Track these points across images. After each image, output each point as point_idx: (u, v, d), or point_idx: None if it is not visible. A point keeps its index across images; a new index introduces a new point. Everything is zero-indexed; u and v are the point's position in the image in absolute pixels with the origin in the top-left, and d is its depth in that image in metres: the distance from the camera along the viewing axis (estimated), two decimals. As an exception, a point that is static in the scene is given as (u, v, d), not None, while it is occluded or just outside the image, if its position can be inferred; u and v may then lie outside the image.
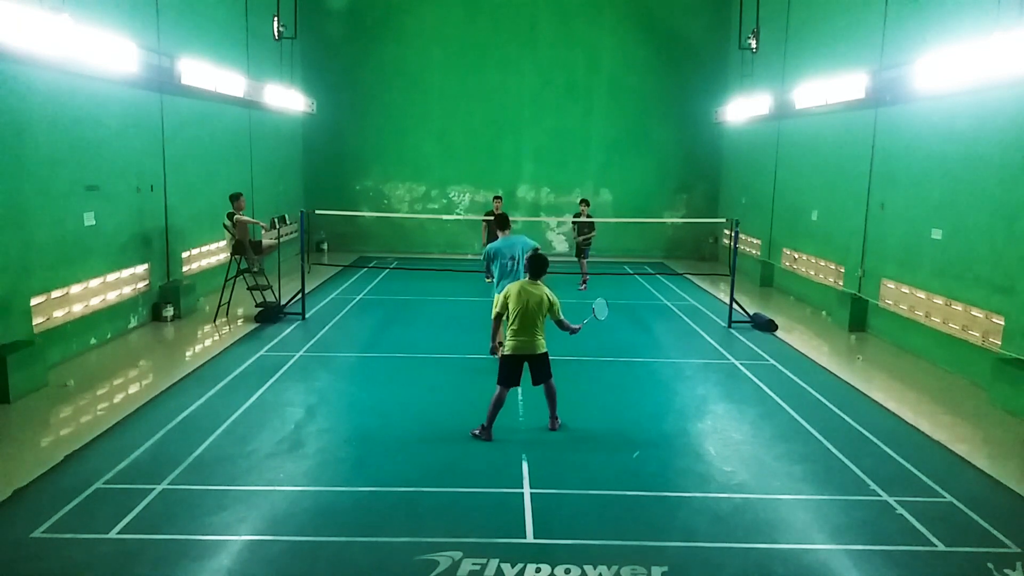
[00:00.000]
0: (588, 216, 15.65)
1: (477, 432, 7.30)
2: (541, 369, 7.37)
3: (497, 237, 10.63)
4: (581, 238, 15.59)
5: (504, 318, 7.36)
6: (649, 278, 17.21)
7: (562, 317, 7.36)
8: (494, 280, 9.64)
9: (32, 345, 8.46)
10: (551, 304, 7.21)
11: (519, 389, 8.78)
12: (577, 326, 7.51)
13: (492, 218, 14.92)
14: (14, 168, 8.61)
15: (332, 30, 20.19)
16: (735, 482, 6.46)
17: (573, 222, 16.03)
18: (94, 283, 10.25)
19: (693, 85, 20.56)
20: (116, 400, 8.31)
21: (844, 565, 5.18)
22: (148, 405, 8.06)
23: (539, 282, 7.30)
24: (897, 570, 5.14)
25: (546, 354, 7.34)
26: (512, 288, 7.23)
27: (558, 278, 16.30)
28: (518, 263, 9.28)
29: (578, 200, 16.42)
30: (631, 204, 20.68)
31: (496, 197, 15.78)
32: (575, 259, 15.93)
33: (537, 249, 9.25)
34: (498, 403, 7.26)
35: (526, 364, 7.30)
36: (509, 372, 7.26)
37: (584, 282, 15.47)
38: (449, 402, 8.46)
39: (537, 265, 7.32)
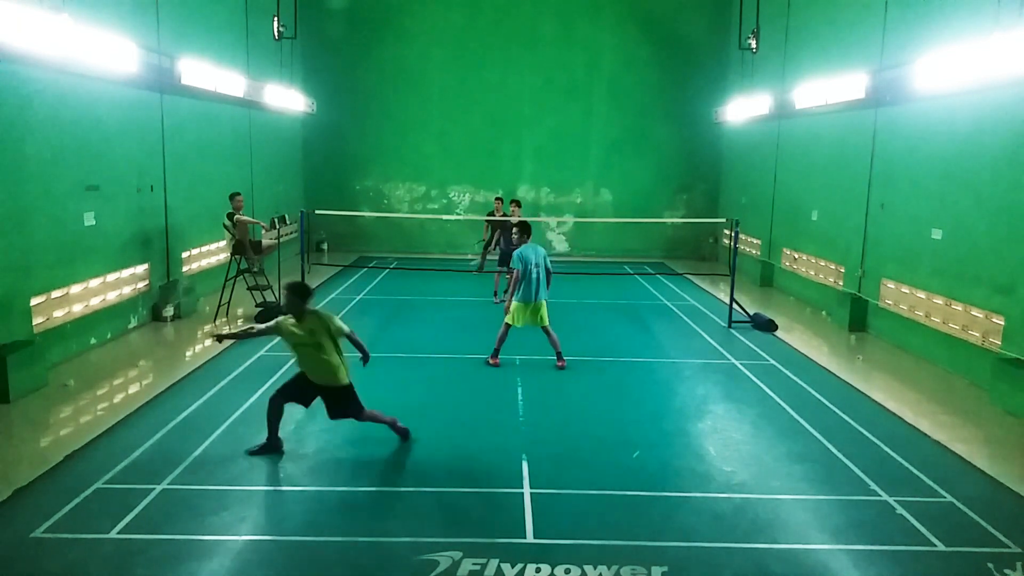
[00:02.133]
0: (504, 216, 13.91)
1: (257, 449, 6.70)
2: (339, 406, 6.68)
3: (509, 237, 11.38)
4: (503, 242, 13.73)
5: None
6: (649, 278, 17.21)
7: (346, 331, 6.62)
8: (516, 288, 9.50)
9: (32, 345, 8.46)
10: (333, 325, 6.49)
11: (519, 390, 8.82)
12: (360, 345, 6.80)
13: (493, 218, 14.86)
14: (14, 168, 8.61)
15: (332, 30, 20.19)
16: (735, 482, 6.46)
17: (488, 221, 14.40)
18: (94, 283, 10.25)
19: (693, 85, 20.56)
20: (116, 400, 8.30)
21: (844, 565, 5.18)
22: (148, 405, 8.06)
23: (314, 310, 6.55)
24: (897, 570, 5.14)
25: (347, 387, 6.63)
26: (283, 324, 6.52)
27: (559, 277, 16.31)
28: (540, 270, 9.51)
29: (498, 198, 15.05)
30: (631, 204, 20.70)
31: (497, 198, 15.64)
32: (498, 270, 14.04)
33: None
34: (275, 412, 6.72)
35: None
36: (296, 389, 6.71)
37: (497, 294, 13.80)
38: (449, 402, 8.45)
39: (296, 294, 6.50)
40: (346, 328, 6.63)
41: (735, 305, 12.56)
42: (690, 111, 20.67)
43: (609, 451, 7.12)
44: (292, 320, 6.56)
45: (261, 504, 5.87)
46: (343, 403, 6.68)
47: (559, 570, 5.00)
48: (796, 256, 15.54)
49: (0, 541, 5.25)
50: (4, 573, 4.91)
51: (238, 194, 12.12)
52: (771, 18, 16.73)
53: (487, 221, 14.93)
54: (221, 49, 14.32)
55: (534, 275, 9.44)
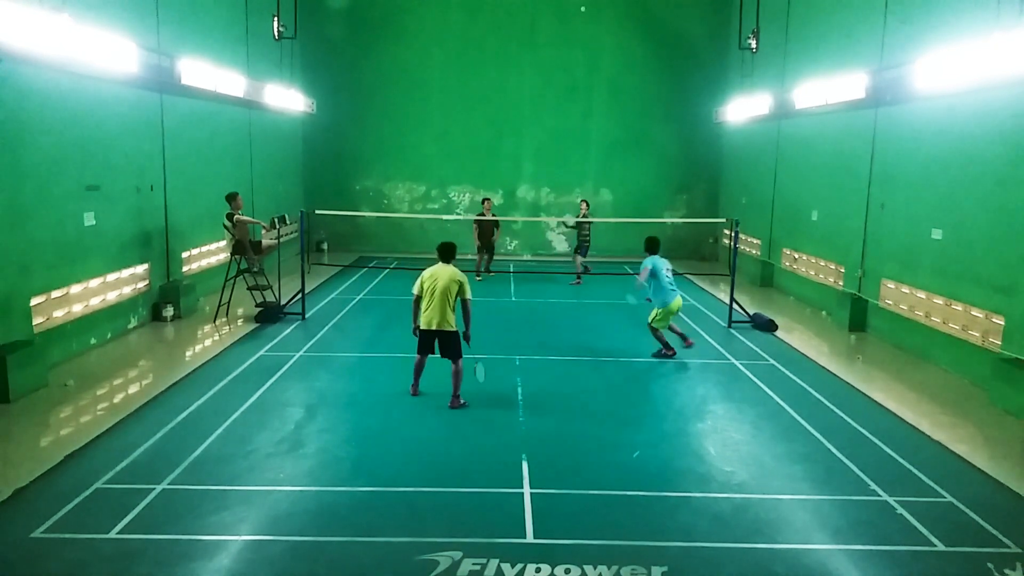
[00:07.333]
0: (586, 216, 16.72)
1: (412, 392, 8.51)
2: (448, 346, 8.11)
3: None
4: (583, 236, 16.63)
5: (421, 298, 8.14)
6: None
7: (468, 296, 8.08)
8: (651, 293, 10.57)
9: (32, 345, 8.46)
10: (460, 284, 8.00)
11: (519, 390, 8.83)
12: (469, 337, 8.18)
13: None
14: (14, 168, 8.61)
15: (332, 30, 20.18)
16: (735, 482, 6.46)
17: (578, 222, 16.74)
18: (94, 283, 10.25)
19: (693, 85, 20.55)
20: (116, 400, 8.31)
21: (844, 565, 5.18)
22: (148, 405, 8.06)
23: (449, 265, 8.14)
24: (897, 570, 5.14)
25: (456, 333, 8.08)
26: (426, 272, 8.15)
27: (560, 277, 16.34)
28: (672, 275, 10.46)
29: (579, 200, 17.57)
30: (631, 204, 20.67)
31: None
32: (575, 257, 16.77)
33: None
34: (418, 367, 8.44)
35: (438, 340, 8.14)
36: (423, 344, 8.20)
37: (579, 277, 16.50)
38: (448, 401, 8.45)
39: (444, 249, 8.25)
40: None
41: (735, 305, 12.56)
42: (690, 111, 20.65)
43: (609, 451, 7.12)
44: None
45: (261, 504, 5.87)
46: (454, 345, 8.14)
47: (559, 570, 5.00)
48: (796, 256, 15.53)
49: (0, 541, 5.25)
50: (4, 573, 4.90)
51: (237, 194, 12.11)
52: (771, 18, 16.72)
53: (579, 223, 16.68)
54: (221, 49, 14.31)
55: (667, 280, 10.32)
